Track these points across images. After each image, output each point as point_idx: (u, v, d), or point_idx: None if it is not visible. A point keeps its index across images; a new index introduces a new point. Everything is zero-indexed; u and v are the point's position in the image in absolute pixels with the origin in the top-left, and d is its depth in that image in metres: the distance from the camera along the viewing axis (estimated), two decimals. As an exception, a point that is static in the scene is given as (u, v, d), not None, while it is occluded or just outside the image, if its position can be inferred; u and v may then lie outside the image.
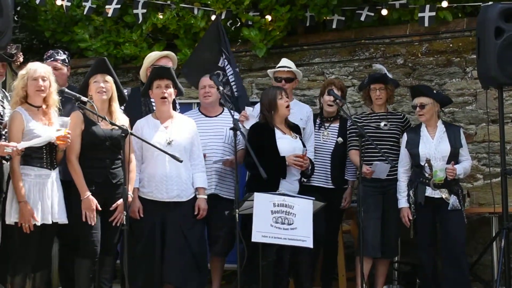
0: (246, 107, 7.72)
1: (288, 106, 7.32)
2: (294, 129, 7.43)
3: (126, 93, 7.11)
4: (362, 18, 8.86)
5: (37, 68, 6.48)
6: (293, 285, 7.72)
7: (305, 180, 7.46)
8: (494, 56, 7.19)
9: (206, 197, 7.05)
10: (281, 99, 7.27)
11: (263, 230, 6.55)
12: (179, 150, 6.80)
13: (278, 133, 7.25)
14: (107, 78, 6.67)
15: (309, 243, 6.69)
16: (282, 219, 6.60)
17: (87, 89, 6.66)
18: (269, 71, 8.16)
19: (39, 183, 6.34)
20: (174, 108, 7.44)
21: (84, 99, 6.49)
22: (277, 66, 8.01)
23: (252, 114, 7.54)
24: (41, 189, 6.34)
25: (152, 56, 7.63)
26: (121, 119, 6.69)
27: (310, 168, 7.36)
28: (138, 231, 6.75)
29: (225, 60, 8.32)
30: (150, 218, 6.79)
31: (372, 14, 8.85)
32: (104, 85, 6.63)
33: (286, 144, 7.22)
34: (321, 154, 7.84)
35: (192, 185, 6.97)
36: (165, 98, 6.92)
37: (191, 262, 6.83)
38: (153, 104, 7.23)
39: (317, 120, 7.99)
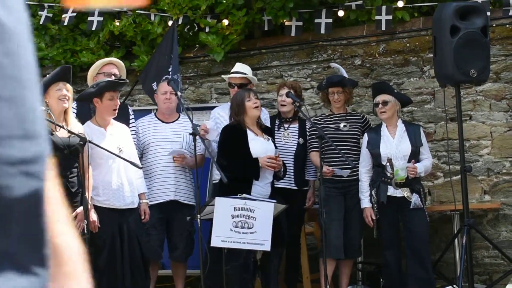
0: (205, 121, 7.69)
1: (257, 107, 7.29)
2: (266, 131, 7.42)
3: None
4: (322, 31, 8.84)
5: None
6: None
7: (276, 181, 7.44)
8: (450, 54, 7.25)
9: (148, 201, 7.22)
10: (249, 101, 7.22)
11: (222, 235, 6.51)
12: (128, 156, 6.80)
13: (250, 135, 7.21)
14: (69, 87, 6.61)
15: (267, 247, 6.65)
16: (242, 223, 6.56)
17: (44, 94, 6.56)
18: (223, 76, 8.17)
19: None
20: (128, 116, 7.44)
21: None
22: (230, 72, 8.00)
23: (213, 127, 7.48)
24: None
25: (98, 63, 7.61)
26: (77, 127, 6.63)
27: (282, 170, 7.34)
28: (100, 241, 6.67)
29: (170, 65, 8.35)
30: (109, 227, 6.73)
31: (331, 20, 8.82)
32: (66, 93, 6.56)
33: (258, 145, 7.19)
34: (283, 155, 7.79)
35: None
36: (116, 110, 6.92)
37: (141, 266, 6.84)
38: None
39: (276, 121, 7.99)
